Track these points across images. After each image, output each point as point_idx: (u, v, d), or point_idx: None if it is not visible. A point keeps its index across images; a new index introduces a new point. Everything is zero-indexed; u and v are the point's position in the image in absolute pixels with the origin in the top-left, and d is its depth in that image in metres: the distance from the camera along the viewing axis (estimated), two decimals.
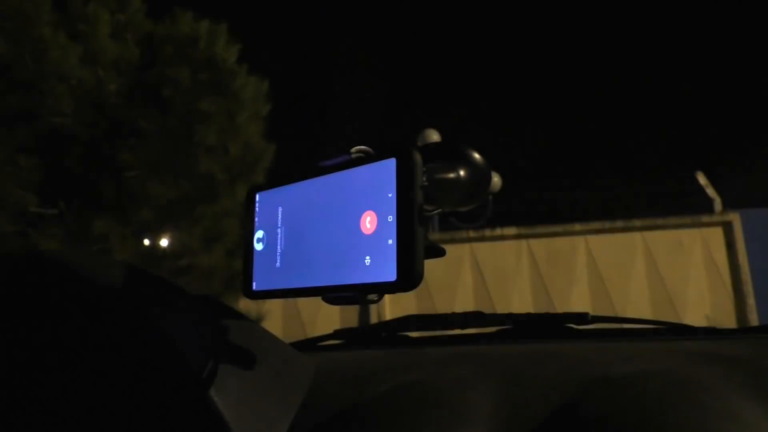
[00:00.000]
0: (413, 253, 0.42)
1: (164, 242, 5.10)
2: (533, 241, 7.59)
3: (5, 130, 4.48)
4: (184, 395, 0.50)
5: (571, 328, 0.87)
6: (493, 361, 0.60)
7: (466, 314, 0.96)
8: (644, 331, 0.84)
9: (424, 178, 0.46)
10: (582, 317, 0.86)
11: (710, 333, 0.77)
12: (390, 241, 0.44)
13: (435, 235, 7.59)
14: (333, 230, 0.48)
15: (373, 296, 0.46)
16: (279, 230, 0.54)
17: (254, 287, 0.55)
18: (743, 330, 0.77)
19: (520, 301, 7.35)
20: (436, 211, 0.56)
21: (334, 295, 0.47)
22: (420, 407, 0.51)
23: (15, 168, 4.44)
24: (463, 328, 0.95)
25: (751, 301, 7.16)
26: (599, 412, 0.45)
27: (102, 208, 4.74)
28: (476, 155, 0.58)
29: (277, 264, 0.53)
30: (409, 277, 0.42)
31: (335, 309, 6.95)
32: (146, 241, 5.04)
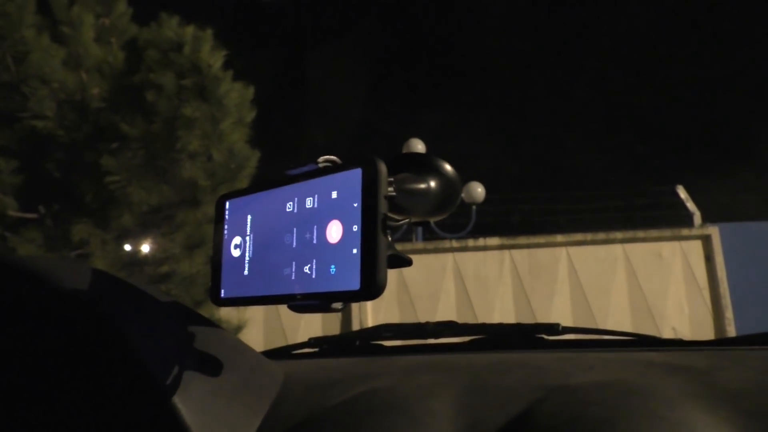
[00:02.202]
0: (376, 263, 0.43)
1: (145, 248, 5.06)
2: (516, 252, 7.64)
3: None
4: (148, 402, 0.50)
5: (543, 338, 0.88)
6: (459, 371, 0.61)
7: (439, 324, 0.97)
8: (613, 341, 0.85)
9: (392, 189, 0.46)
10: (553, 328, 0.87)
11: (673, 344, 0.79)
12: (354, 251, 0.44)
13: (418, 245, 7.60)
14: (300, 239, 0.49)
15: (337, 305, 0.46)
16: (248, 238, 0.54)
17: (222, 294, 0.55)
18: (704, 342, 0.79)
19: (502, 311, 7.38)
20: (404, 221, 0.57)
21: (299, 303, 0.48)
22: (381, 414, 0.51)
23: None
24: (436, 337, 0.96)
25: (729, 314, 7.24)
26: (554, 421, 0.46)
27: (82, 213, 4.70)
28: (447, 167, 0.59)
29: (245, 271, 0.53)
30: (371, 286, 0.43)
31: (317, 316, 6.92)
32: (127, 247, 4.99)
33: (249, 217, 0.54)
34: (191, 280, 4.95)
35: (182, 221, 4.97)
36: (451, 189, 0.58)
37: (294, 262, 0.49)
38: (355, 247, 0.44)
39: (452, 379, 0.58)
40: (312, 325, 6.83)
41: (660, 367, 0.56)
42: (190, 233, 5.00)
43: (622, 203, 8.23)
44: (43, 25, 4.55)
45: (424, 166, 0.57)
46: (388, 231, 0.45)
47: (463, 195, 0.63)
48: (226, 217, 0.57)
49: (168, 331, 0.56)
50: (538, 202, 8.40)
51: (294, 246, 0.49)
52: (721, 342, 0.80)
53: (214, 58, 4.75)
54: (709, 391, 0.49)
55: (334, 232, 0.46)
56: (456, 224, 7.51)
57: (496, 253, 7.61)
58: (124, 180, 4.56)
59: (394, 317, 7.05)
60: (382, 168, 0.45)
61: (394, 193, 0.46)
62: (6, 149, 4.56)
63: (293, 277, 0.49)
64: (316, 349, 0.99)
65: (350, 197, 0.45)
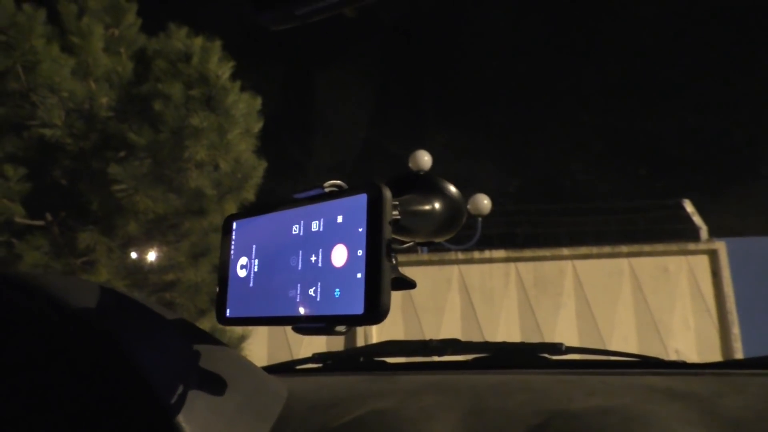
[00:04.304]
0: (380, 289, 0.43)
1: (151, 256, 5.07)
2: (521, 265, 7.61)
3: None
4: (151, 420, 0.50)
5: (546, 358, 0.88)
6: (462, 392, 0.61)
7: (443, 341, 0.97)
8: (616, 363, 0.85)
9: (396, 212, 0.47)
10: (556, 348, 0.87)
11: (676, 366, 0.79)
12: (359, 275, 0.45)
13: (424, 256, 7.59)
14: (305, 261, 0.49)
15: (341, 328, 0.46)
16: (254, 259, 0.55)
17: (228, 314, 0.56)
18: (707, 365, 0.79)
19: (507, 324, 7.35)
20: (409, 243, 0.57)
21: (304, 325, 0.48)
22: None
23: (2, 178, 4.42)
24: (439, 355, 0.96)
25: (735, 329, 7.19)
26: None
27: (89, 221, 4.72)
28: (451, 188, 0.59)
29: (251, 292, 0.54)
30: (375, 311, 0.43)
31: None
32: (133, 255, 5.01)
33: (255, 238, 0.55)
34: (196, 288, 4.95)
35: (188, 230, 4.98)
36: (455, 210, 0.58)
37: (299, 285, 0.49)
38: (359, 272, 0.45)
39: (455, 401, 0.58)
40: (316, 339, 6.80)
41: (661, 392, 0.56)
42: (196, 242, 5.02)
43: (628, 217, 8.22)
44: (52, 35, 4.59)
45: (428, 187, 0.57)
46: (392, 254, 0.45)
47: (469, 207, 0.62)
48: (233, 237, 0.57)
49: (172, 349, 0.56)
50: (545, 215, 8.40)
51: (299, 268, 0.50)
52: (724, 365, 0.79)
53: (222, 69, 4.78)
54: (709, 419, 0.49)
55: (339, 256, 0.47)
56: (462, 236, 7.51)
57: (501, 265, 7.59)
58: (131, 188, 4.58)
59: (398, 329, 7.04)
60: (387, 194, 0.45)
61: (398, 217, 0.47)
62: (14, 157, 4.59)
63: (298, 300, 0.49)
64: (320, 365, 0.99)
65: (355, 222, 0.46)
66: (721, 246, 7.48)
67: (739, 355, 6.91)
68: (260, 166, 5.28)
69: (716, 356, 7.00)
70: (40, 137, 4.59)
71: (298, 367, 1.00)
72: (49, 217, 4.82)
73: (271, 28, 0.50)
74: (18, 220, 4.59)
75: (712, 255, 7.49)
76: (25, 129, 4.62)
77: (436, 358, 0.96)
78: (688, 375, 0.68)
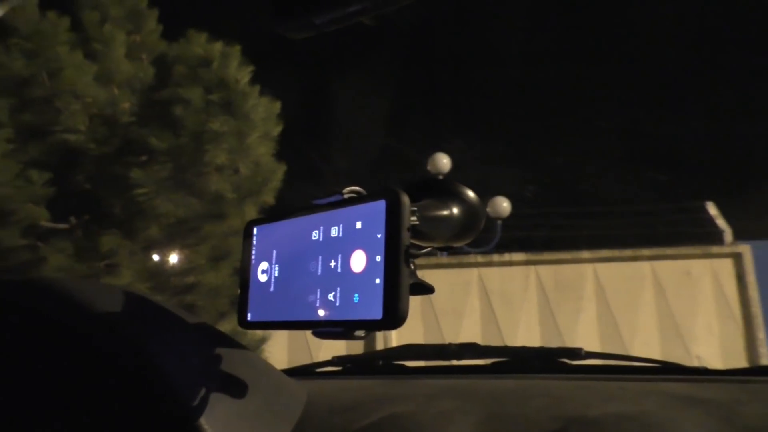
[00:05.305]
0: (398, 294, 0.44)
1: (172, 259, 5.13)
2: (541, 268, 7.55)
3: (19, 145, 4.54)
4: (173, 423, 0.51)
5: (565, 362, 0.88)
6: (480, 396, 0.61)
7: (462, 345, 0.97)
8: (636, 368, 0.84)
9: (415, 217, 0.47)
10: (575, 352, 0.87)
11: (696, 373, 0.78)
12: (378, 281, 0.45)
13: (443, 259, 7.57)
14: (324, 267, 0.50)
15: (360, 332, 0.47)
16: (274, 264, 0.55)
17: (249, 318, 0.57)
18: (728, 372, 0.78)
19: (527, 328, 7.30)
20: (427, 249, 0.57)
21: (323, 330, 0.49)
22: None
23: (27, 183, 4.49)
24: (458, 359, 0.96)
25: (761, 334, 7.06)
26: None
27: (111, 224, 4.79)
28: (469, 192, 0.59)
29: (271, 296, 0.55)
30: (393, 316, 0.44)
31: None
32: (155, 258, 5.07)
33: (276, 243, 0.56)
34: (216, 291, 5.00)
35: (208, 233, 5.03)
36: (473, 215, 0.58)
37: (319, 290, 0.50)
38: (378, 277, 0.45)
39: (473, 405, 0.58)
40: (335, 342, 6.80)
41: (680, 398, 0.56)
42: (216, 245, 5.06)
43: (650, 220, 8.12)
44: (76, 42, 4.67)
45: (446, 192, 0.58)
46: (411, 260, 0.46)
47: (488, 209, 0.62)
48: (254, 242, 0.58)
49: (194, 352, 0.57)
50: (565, 218, 8.33)
51: (319, 273, 0.50)
52: (746, 371, 0.79)
53: (241, 74, 4.82)
54: (728, 426, 0.48)
55: (358, 261, 0.47)
56: (481, 239, 7.46)
57: (521, 268, 7.54)
58: (152, 192, 4.64)
59: (418, 333, 7.02)
60: (405, 200, 0.45)
61: (417, 222, 0.47)
62: (39, 162, 4.67)
63: (318, 304, 0.50)
64: (339, 368, 0.99)
65: (374, 228, 0.46)
66: (745, 249, 7.35)
67: (765, 360, 6.79)
68: (279, 170, 5.32)
69: (741, 362, 6.88)
70: (64, 142, 4.68)
71: (318, 370, 1.01)
72: (72, 220, 4.90)
73: (291, 37, 0.51)
74: (43, 223, 4.67)
75: (737, 258, 7.37)
76: (50, 134, 4.70)
77: (454, 362, 0.96)
78: (708, 381, 0.68)
